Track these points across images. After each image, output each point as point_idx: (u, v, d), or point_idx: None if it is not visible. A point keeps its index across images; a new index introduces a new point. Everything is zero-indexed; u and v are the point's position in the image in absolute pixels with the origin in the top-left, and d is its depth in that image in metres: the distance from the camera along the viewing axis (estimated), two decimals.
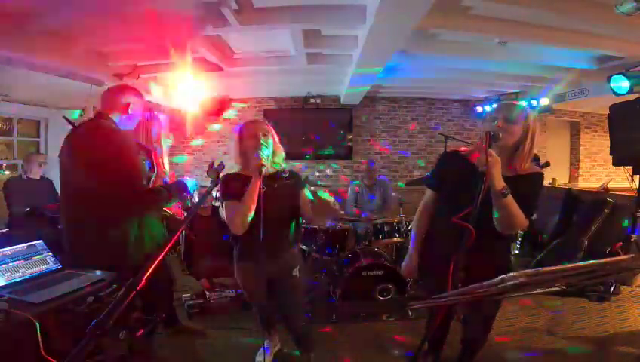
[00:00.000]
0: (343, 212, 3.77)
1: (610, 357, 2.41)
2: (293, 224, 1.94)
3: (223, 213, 4.66)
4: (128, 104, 1.99)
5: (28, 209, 3.58)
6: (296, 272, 1.95)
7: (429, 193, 1.81)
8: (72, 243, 1.97)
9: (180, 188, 2.04)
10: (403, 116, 5.85)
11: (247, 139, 1.82)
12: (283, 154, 1.94)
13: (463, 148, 1.77)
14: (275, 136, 1.91)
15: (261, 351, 2.27)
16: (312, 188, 3.72)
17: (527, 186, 1.51)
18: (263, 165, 1.68)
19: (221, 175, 1.71)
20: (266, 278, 1.90)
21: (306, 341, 2.11)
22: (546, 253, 3.92)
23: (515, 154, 1.52)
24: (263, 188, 1.70)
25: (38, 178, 3.92)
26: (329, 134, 5.60)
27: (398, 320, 2.91)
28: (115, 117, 1.97)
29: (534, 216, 1.66)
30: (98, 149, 1.81)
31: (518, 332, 2.67)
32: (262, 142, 1.79)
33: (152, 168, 2.12)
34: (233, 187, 1.78)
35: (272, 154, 1.84)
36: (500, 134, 1.45)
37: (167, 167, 2.34)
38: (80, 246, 1.96)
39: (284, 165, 1.96)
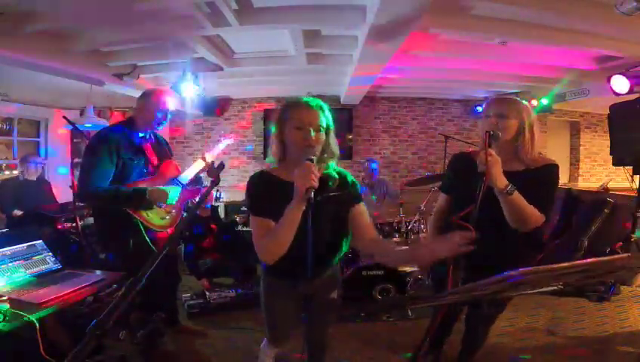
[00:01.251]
0: None
1: (610, 357, 2.41)
2: (338, 242, 1.49)
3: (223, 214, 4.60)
4: (140, 106, 2.22)
5: (22, 212, 3.56)
6: (334, 294, 1.62)
7: (441, 197, 1.81)
8: None
9: (138, 198, 2.06)
10: (403, 116, 5.85)
11: (293, 129, 1.30)
12: (337, 154, 1.43)
13: (471, 150, 1.75)
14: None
15: (262, 353, 2.22)
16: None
17: (538, 179, 1.47)
18: (313, 187, 1.16)
19: (221, 174, 1.32)
20: (298, 297, 1.57)
21: (320, 357, 1.77)
22: (546, 253, 3.92)
23: (517, 147, 1.50)
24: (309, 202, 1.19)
25: (35, 179, 3.90)
26: None
27: (398, 320, 2.92)
28: (135, 118, 2.22)
29: None
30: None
31: (518, 332, 2.67)
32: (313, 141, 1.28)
33: (149, 170, 2.22)
34: (266, 196, 1.34)
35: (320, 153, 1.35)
36: (500, 133, 1.45)
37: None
38: None
39: (334, 167, 1.44)
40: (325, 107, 1.39)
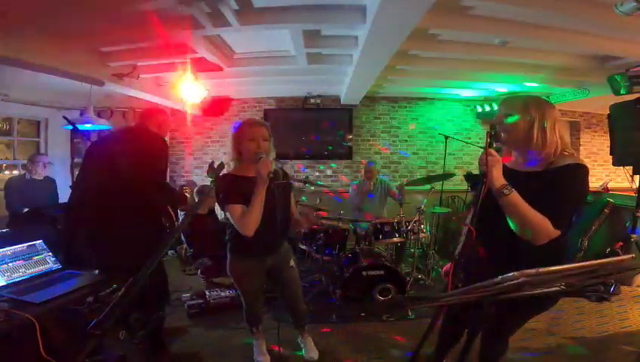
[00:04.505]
0: (342, 212, 3.78)
1: (610, 357, 2.41)
2: (289, 220, 2.09)
3: (222, 213, 4.68)
4: (163, 121, 2.44)
5: (26, 210, 3.57)
6: (292, 263, 2.18)
7: None
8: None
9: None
10: (403, 116, 5.85)
11: (248, 141, 1.85)
12: (274, 154, 1.99)
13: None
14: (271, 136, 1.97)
15: (257, 350, 2.29)
16: (312, 187, 3.79)
17: (552, 182, 1.29)
18: (271, 171, 1.74)
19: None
20: (265, 271, 2.08)
21: (302, 319, 2.37)
22: None
23: (529, 148, 1.39)
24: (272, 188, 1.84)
25: (42, 178, 3.91)
26: (329, 134, 5.62)
27: (398, 320, 2.92)
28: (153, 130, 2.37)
29: None
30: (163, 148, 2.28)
31: (518, 332, 2.64)
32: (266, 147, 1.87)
33: None
34: (234, 189, 1.82)
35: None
36: (503, 134, 1.40)
37: None
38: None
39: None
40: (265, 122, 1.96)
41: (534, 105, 1.39)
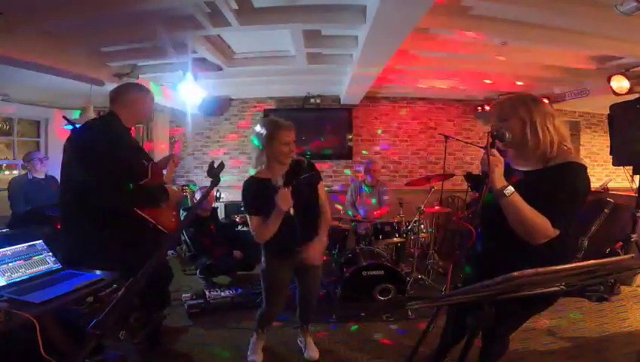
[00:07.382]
0: (342, 212, 3.77)
1: (610, 357, 2.41)
2: (317, 215, 2.07)
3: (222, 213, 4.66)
4: (133, 100, 2.12)
5: (28, 208, 3.57)
6: (318, 263, 2.15)
7: None
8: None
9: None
10: (403, 116, 5.85)
11: (282, 145, 1.90)
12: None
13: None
14: None
15: (253, 348, 2.30)
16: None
17: (549, 181, 1.30)
18: (290, 206, 1.83)
19: (220, 177, 1.57)
20: (293, 267, 2.11)
21: (311, 314, 2.39)
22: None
23: (527, 148, 1.39)
24: (285, 187, 1.85)
25: (43, 177, 3.91)
26: (329, 134, 5.61)
27: (398, 320, 2.92)
28: (122, 114, 2.08)
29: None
30: (93, 146, 1.93)
31: (518, 332, 2.64)
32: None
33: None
34: (256, 199, 1.91)
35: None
36: (507, 135, 1.39)
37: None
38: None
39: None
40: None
41: (521, 105, 1.39)
